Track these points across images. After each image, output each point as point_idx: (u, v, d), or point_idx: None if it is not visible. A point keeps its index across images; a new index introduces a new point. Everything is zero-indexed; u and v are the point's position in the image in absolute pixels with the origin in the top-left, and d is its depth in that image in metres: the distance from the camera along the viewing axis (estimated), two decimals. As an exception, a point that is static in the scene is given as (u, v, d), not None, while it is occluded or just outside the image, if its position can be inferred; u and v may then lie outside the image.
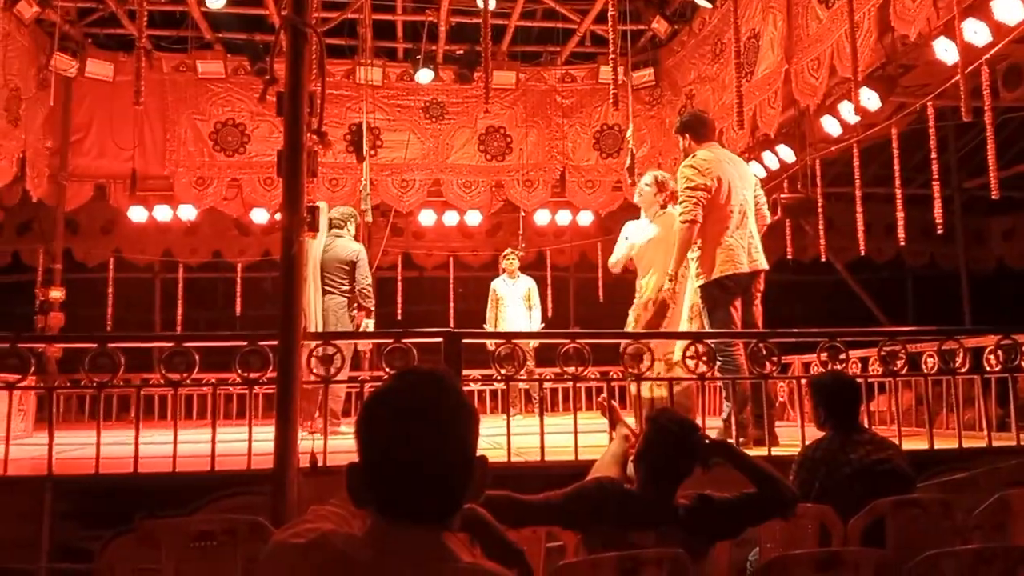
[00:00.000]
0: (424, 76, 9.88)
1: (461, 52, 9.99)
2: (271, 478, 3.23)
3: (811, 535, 2.98)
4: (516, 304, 8.79)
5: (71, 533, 3.67)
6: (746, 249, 5.00)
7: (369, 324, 6.58)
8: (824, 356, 4.43)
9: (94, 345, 3.97)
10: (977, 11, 5.59)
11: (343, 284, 6.48)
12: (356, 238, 6.98)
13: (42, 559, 3.63)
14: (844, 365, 4.44)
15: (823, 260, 9.25)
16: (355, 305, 6.53)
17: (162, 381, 4.08)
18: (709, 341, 4.45)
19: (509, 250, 9.17)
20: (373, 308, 6.62)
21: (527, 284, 8.95)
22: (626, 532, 2.43)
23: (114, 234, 11.16)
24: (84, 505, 3.77)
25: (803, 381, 4.79)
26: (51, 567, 3.62)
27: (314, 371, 4.06)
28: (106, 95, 9.52)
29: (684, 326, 5.28)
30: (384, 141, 10.16)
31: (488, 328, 8.71)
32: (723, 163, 5.13)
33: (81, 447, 4.94)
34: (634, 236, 5.79)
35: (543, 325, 8.97)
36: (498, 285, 8.96)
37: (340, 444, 4.10)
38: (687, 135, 5.28)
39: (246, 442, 4.01)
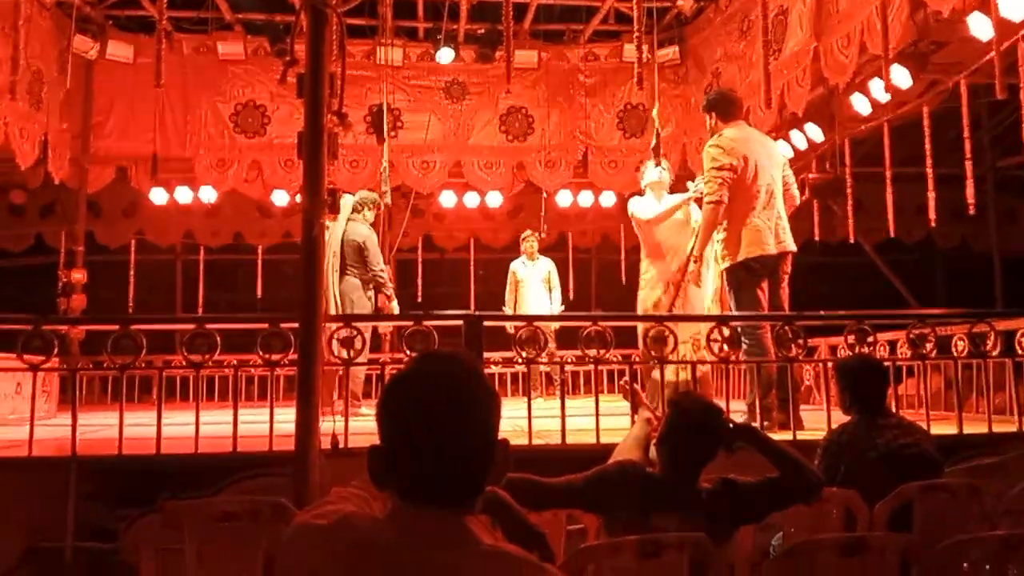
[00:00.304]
0: (445, 56, 9.85)
1: (482, 31, 9.94)
2: (293, 460, 3.27)
3: (836, 520, 2.98)
4: (536, 286, 8.80)
5: (96, 513, 3.74)
6: (773, 230, 4.96)
7: (394, 308, 6.68)
8: (851, 339, 4.40)
9: (116, 327, 4.03)
10: (1013, -15, 5.48)
11: (356, 267, 6.60)
12: (376, 222, 7.03)
13: (68, 538, 3.70)
14: (872, 348, 4.42)
15: (851, 241, 9.16)
16: (371, 287, 6.62)
17: (184, 363, 4.13)
18: (735, 324, 4.43)
19: (528, 232, 9.17)
20: (392, 292, 6.69)
21: (547, 266, 8.95)
22: (648, 516, 2.45)
23: (136, 216, 11.27)
24: (108, 486, 3.84)
25: (829, 364, 4.76)
26: (77, 546, 3.69)
27: (335, 353, 4.09)
28: (127, 77, 9.58)
29: (708, 310, 5.27)
30: (404, 122, 10.15)
31: (507, 310, 8.73)
32: (750, 142, 5.09)
33: (104, 428, 5.01)
34: (664, 204, 5.81)
35: (563, 307, 8.96)
36: (517, 267, 8.97)
37: (361, 426, 4.13)
38: (714, 114, 5.25)
39: (268, 424, 4.06)
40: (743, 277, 4.93)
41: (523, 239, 9.10)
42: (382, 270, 6.67)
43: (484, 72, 10.21)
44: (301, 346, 3.33)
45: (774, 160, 5.18)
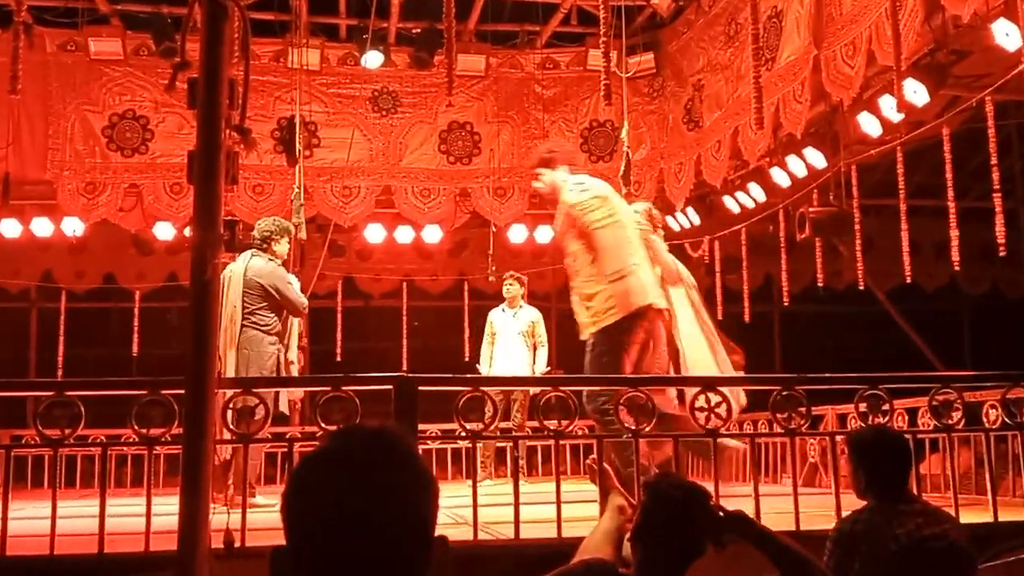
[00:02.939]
0: (372, 60, 9.92)
1: (418, 31, 10.04)
2: (175, 562, 3.18)
3: (849, 630, 2.98)
4: (514, 340, 8.75)
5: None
6: (652, 284, 5.35)
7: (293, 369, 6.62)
8: (863, 407, 4.46)
9: (-48, 394, 3.91)
10: (1043, -12, 5.72)
11: (260, 314, 6.48)
12: (288, 257, 6.96)
13: None
14: (888, 418, 4.48)
15: (861, 287, 9.35)
16: (276, 340, 6.53)
17: (38, 439, 4.01)
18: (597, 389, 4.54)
19: (510, 273, 9.14)
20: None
21: (530, 316, 8.90)
22: (621, 629, 2.42)
23: (-20, 253, 11.04)
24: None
25: (839, 438, 4.82)
26: None
27: (230, 427, 4.02)
28: (-27, 80, 9.46)
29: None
30: (322, 139, 10.16)
31: (483, 368, 8.73)
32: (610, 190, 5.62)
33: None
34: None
35: (549, 368, 8.92)
36: (496, 316, 8.95)
37: (259, 519, 4.05)
38: (553, 167, 5.62)
39: (144, 517, 3.96)
40: (616, 340, 5.18)
41: (504, 282, 9.07)
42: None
43: (420, 80, 10.30)
44: (187, 418, 3.26)
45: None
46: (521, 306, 8.96)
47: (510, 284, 8.96)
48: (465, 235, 11.61)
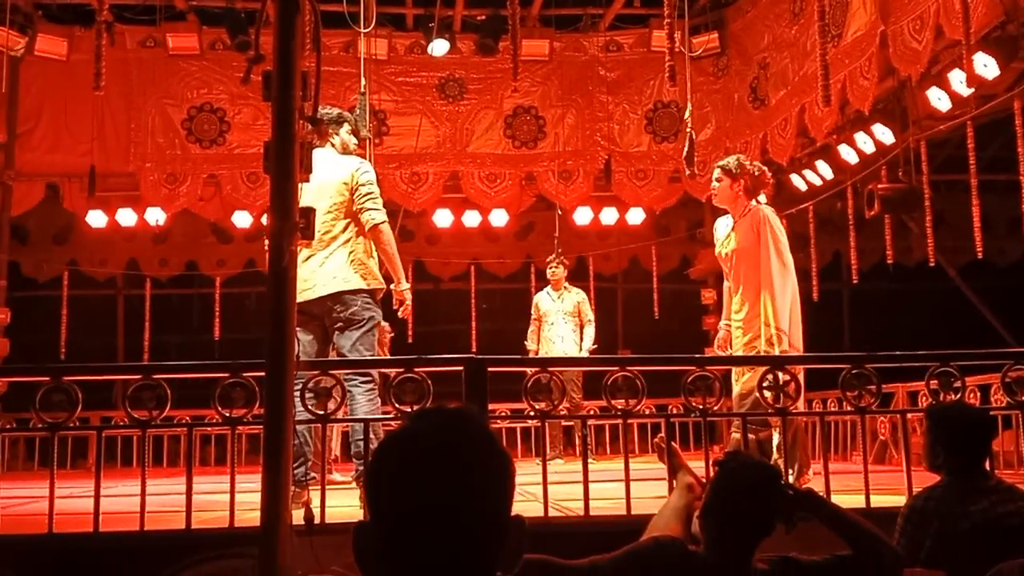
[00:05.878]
0: (439, 48, 9.95)
1: (483, 18, 10.05)
2: (259, 538, 3.25)
3: (921, 607, 2.94)
4: (562, 322, 8.84)
5: (19, 605, 3.72)
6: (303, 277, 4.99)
7: None
8: (934, 384, 4.38)
9: (46, 378, 4.03)
10: (1119, -45, 5.53)
11: None
12: None
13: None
14: (960, 395, 4.39)
15: (931, 264, 9.15)
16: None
17: (127, 421, 4.13)
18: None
19: (553, 256, 9.18)
20: None
21: (575, 298, 8.99)
22: (691, 604, 2.42)
23: (69, 243, 11.35)
24: (36, 571, 3.82)
25: (909, 415, 4.74)
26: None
27: (308, 407, 4.09)
28: (59, 77, 9.70)
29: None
30: (391, 127, 10.24)
31: (529, 347, 8.81)
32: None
33: (31, 501, 5.00)
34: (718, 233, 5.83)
35: (596, 346, 8.95)
36: (541, 299, 9.02)
37: (339, 498, 4.12)
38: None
39: (228, 494, 4.05)
40: None
41: (548, 264, 9.12)
42: None
43: (485, 66, 10.30)
44: (268, 399, 3.32)
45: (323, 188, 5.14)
46: (566, 287, 9.02)
47: (555, 267, 9.01)
48: (531, 218, 11.63)
